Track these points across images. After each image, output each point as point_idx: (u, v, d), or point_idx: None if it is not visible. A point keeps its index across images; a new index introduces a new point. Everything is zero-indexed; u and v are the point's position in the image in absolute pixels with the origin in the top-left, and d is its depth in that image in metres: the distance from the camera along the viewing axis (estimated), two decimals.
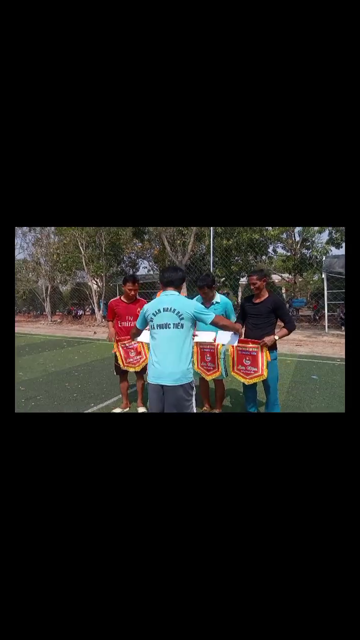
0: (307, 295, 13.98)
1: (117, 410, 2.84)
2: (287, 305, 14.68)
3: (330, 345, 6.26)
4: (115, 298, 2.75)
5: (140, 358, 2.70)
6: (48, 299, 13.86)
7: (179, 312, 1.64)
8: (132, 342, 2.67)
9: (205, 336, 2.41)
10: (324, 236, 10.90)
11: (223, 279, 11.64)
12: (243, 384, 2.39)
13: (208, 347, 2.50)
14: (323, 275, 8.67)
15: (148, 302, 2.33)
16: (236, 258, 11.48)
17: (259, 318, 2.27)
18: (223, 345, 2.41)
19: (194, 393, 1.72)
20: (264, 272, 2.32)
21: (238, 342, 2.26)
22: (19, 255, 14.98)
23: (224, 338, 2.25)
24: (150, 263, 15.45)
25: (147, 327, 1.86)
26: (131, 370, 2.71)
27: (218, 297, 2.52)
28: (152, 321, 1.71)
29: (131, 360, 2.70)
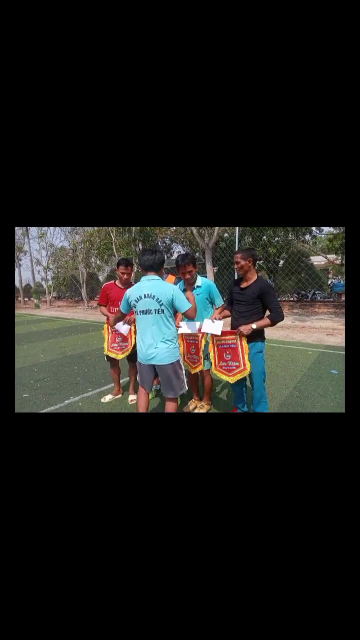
0: None
1: (109, 397, 2.87)
2: (329, 289, 13.28)
3: None
4: (109, 282, 2.70)
5: (126, 345, 2.64)
6: (84, 284, 14.67)
7: (158, 299, 1.71)
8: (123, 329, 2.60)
9: (189, 327, 2.25)
10: None
11: (261, 260, 10.85)
12: None
13: (192, 338, 2.31)
14: None
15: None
16: (276, 239, 10.56)
17: (244, 305, 2.00)
18: (207, 335, 2.21)
19: (183, 371, 1.88)
20: (253, 252, 1.98)
21: (217, 335, 2.05)
22: (59, 243, 15.96)
23: (210, 327, 2.07)
24: (186, 248, 15.20)
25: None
26: (112, 356, 2.66)
27: (199, 281, 2.26)
28: (135, 307, 1.79)
29: (115, 346, 2.65)
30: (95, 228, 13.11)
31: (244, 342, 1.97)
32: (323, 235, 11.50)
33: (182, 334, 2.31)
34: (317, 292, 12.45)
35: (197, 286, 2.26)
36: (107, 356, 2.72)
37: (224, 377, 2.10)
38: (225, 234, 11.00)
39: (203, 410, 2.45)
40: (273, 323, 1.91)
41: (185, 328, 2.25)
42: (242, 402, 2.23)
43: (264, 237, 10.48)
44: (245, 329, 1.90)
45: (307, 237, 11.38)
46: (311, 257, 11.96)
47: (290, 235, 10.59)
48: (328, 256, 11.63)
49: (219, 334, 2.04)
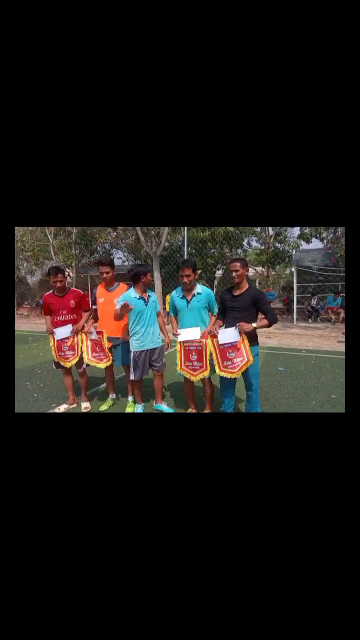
0: (279, 289, 14.42)
1: (64, 406, 2.78)
2: None
3: (297, 337, 6.50)
4: (47, 293, 2.68)
5: (72, 354, 2.64)
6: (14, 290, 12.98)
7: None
8: (68, 337, 2.63)
9: (189, 334, 2.32)
10: (296, 231, 11.21)
11: (199, 271, 11.60)
12: (222, 385, 2.31)
13: (194, 345, 2.32)
14: (293, 269, 8.94)
15: (83, 291, 2.68)
16: (212, 250, 11.50)
17: (239, 312, 2.14)
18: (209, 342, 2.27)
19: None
20: (246, 262, 2.18)
21: (216, 341, 2.17)
22: None
23: (230, 335, 2.10)
24: (125, 254, 15.00)
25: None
26: (62, 363, 2.67)
27: (199, 288, 2.36)
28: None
29: (62, 354, 2.66)
30: (29, 228, 11.84)
31: (245, 339, 2.10)
32: (250, 250, 13.06)
33: (181, 341, 2.35)
34: None
35: (198, 293, 2.33)
36: (56, 364, 2.73)
37: (230, 375, 2.17)
38: (167, 243, 11.39)
39: None
40: (270, 324, 2.11)
41: (185, 335, 2.31)
42: (231, 407, 2.38)
43: (212, 250, 11.28)
44: (246, 326, 2.05)
45: (239, 250, 12.78)
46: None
47: (225, 249, 11.70)
48: (257, 268, 13.27)
49: (239, 339, 2.08)
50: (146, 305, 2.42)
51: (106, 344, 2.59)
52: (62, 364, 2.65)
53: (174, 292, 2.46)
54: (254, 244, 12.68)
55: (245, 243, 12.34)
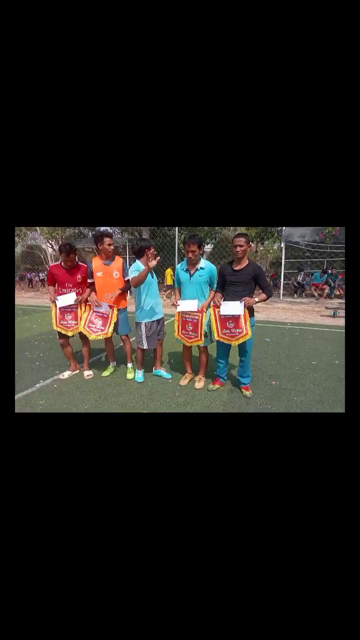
0: (267, 264, 14.63)
1: (67, 373, 2.92)
2: None
3: (283, 311, 6.83)
4: (55, 263, 2.69)
5: (75, 324, 2.71)
6: None
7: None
8: (73, 306, 2.68)
9: (187, 305, 2.47)
10: None
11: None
12: (218, 352, 2.54)
13: (190, 316, 2.49)
14: (282, 244, 9.08)
15: (89, 267, 2.70)
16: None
17: (239, 285, 2.29)
18: (208, 313, 2.45)
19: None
20: (249, 237, 2.28)
21: (217, 311, 2.34)
22: None
23: (233, 308, 2.26)
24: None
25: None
26: (62, 332, 2.71)
27: (203, 263, 2.45)
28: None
29: (65, 323, 2.69)
30: None
31: (247, 312, 2.27)
32: None
33: (180, 311, 2.52)
34: None
35: (201, 268, 2.44)
36: (59, 334, 2.77)
37: (227, 342, 2.37)
38: None
39: (201, 383, 2.67)
40: (267, 298, 2.31)
41: (183, 306, 2.48)
42: (224, 372, 2.65)
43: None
44: (250, 301, 2.24)
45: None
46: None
47: None
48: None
49: (242, 312, 2.25)
50: (152, 277, 2.55)
51: (115, 318, 2.70)
52: (63, 332, 2.70)
53: (179, 265, 2.57)
54: None
55: None
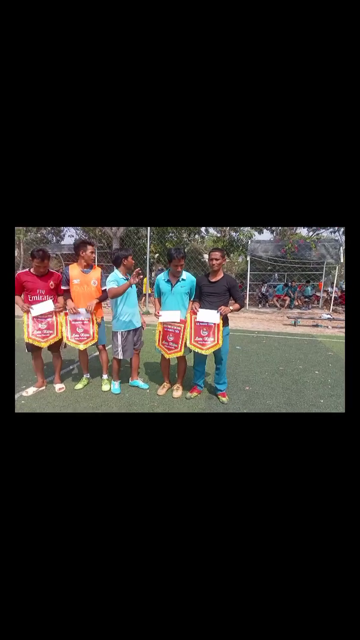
0: (233, 276, 15.36)
1: (32, 389, 2.72)
2: None
3: (249, 320, 7.21)
4: (24, 270, 2.57)
5: (50, 333, 2.60)
6: None
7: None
8: (49, 314, 2.57)
9: (169, 316, 2.51)
10: None
11: (157, 254, 11.68)
12: (195, 360, 2.61)
13: (172, 327, 2.54)
14: (247, 258, 9.66)
15: (63, 274, 2.64)
16: (170, 234, 11.62)
17: (215, 296, 2.43)
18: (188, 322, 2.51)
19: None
20: (225, 251, 2.46)
21: (194, 317, 2.43)
22: None
23: (209, 316, 2.36)
24: (78, 230, 14.03)
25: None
26: (35, 344, 2.58)
27: (184, 274, 2.53)
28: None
29: (38, 333, 2.56)
30: None
31: (221, 323, 2.39)
32: (207, 236, 13.52)
33: (161, 322, 2.55)
34: None
35: (182, 279, 2.51)
36: (27, 346, 2.62)
37: (197, 350, 2.48)
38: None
39: (179, 392, 2.71)
40: (240, 308, 2.47)
41: (165, 316, 2.51)
42: (202, 380, 2.73)
43: (170, 234, 11.33)
44: (225, 309, 2.37)
45: (197, 236, 13.13)
46: (205, 255, 13.83)
47: (183, 233, 11.92)
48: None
49: (219, 322, 2.37)
50: (131, 287, 2.55)
51: (96, 321, 2.65)
52: (36, 344, 2.58)
53: (159, 275, 2.63)
54: (212, 230, 13.16)
55: (203, 229, 12.75)
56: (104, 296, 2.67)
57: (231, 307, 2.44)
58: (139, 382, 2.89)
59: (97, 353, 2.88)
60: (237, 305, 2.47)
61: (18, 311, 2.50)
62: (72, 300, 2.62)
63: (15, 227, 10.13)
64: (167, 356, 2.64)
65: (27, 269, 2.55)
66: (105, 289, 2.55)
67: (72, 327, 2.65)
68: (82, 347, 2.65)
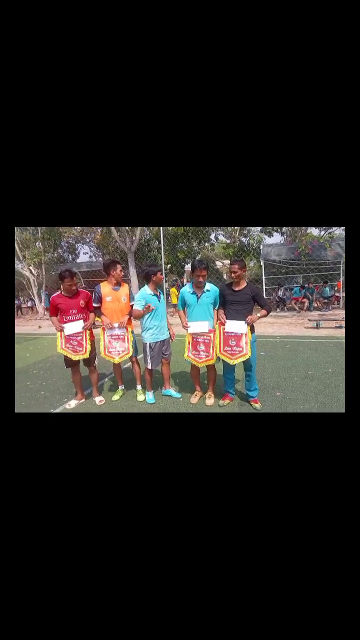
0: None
1: (74, 402, 2.90)
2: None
3: (270, 325, 7.18)
4: (56, 293, 2.77)
5: (79, 350, 2.74)
6: None
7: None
8: (80, 333, 2.73)
9: (198, 327, 2.62)
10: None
11: (169, 265, 11.91)
12: (225, 367, 2.67)
13: (202, 337, 2.63)
14: (261, 262, 9.67)
15: (91, 293, 2.83)
16: (180, 244, 11.85)
17: (239, 305, 2.50)
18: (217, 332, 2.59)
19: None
20: (244, 262, 2.55)
21: (222, 328, 2.51)
22: None
23: (237, 327, 2.46)
24: (92, 249, 14.53)
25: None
26: (68, 355, 2.72)
27: (208, 285, 2.62)
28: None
29: (69, 346, 2.72)
30: None
31: (249, 333, 2.45)
32: (217, 244, 13.65)
33: (190, 333, 2.65)
34: None
35: (207, 290, 2.60)
36: (66, 362, 2.80)
37: (226, 359, 2.53)
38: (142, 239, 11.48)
39: (211, 399, 2.77)
40: (267, 314, 2.54)
41: (194, 327, 2.62)
42: (232, 388, 2.79)
43: (181, 244, 11.55)
44: (253, 318, 2.44)
45: (207, 244, 13.30)
46: (217, 262, 13.96)
47: (193, 243, 12.12)
48: (224, 261, 13.91)
49: (246, 331, 2.43)
50: (159, 301, 2.69)
51: (131, 337, 2.79)
52: (69, 356, 2.73)
53: (183, 288, 2.74)
54: (221, 237, 13.30)
55: (212, 237, 12.91)
56: (132, 312, 2.82)
57: (259, 314, 2.50)
58: (172, 392, 2.98)
59: (128, 364, 2.99)
60: (264, 312, 2.54)
61: (51, 328, 2.65)
62: (107, 317, 2.78)
63: (34, 249, 10.74)
64: (199, 365, 2.72)
65: (59, 292, 2.74)
66: (133, 305, 2.70)
67: (109, 341, 2.79)
68: (117, 360, 2.79)
